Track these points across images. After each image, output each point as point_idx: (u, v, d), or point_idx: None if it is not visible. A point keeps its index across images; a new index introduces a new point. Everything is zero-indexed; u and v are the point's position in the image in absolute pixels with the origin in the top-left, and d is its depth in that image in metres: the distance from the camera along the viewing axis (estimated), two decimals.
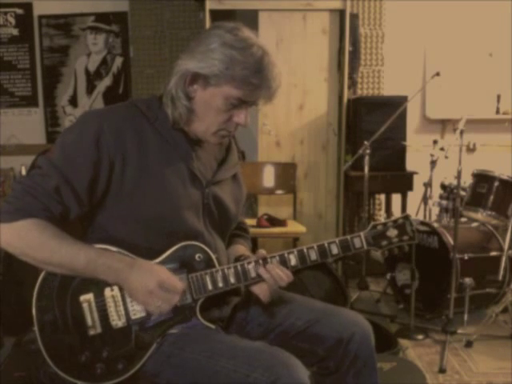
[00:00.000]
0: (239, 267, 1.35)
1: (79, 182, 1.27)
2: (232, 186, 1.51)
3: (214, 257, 1.36)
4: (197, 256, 1.34)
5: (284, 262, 1.36)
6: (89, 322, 1.30)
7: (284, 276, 1.34)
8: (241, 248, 1.54)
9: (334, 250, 1.38)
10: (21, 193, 1.25)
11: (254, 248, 1.62)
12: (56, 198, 1.26)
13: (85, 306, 1.30)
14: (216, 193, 1.43)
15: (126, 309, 1.31)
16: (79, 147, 1.28)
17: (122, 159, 1.29)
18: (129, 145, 1.30)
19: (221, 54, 1.26)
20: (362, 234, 1.39)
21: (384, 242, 1.40)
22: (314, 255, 1.37)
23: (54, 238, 1.25)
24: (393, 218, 1.42)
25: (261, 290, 1.39)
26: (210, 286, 1.33)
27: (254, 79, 1.27)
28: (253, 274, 1.35)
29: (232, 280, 1.34)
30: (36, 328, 1.30)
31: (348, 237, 1.38)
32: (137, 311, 1.31)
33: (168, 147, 1.35)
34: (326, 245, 1.37)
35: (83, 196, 1.29)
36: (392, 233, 1.40)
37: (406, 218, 1.42)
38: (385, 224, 1.40)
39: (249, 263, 1.35)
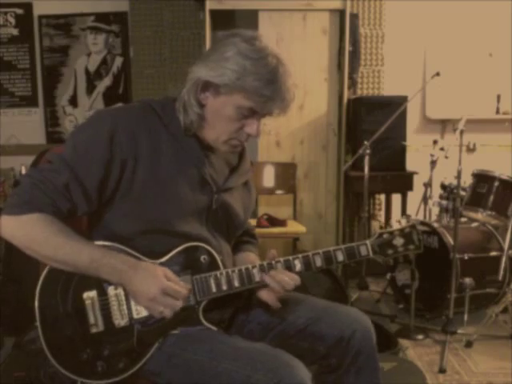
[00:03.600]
0: (244, 270, 1.34)
1: (89, 180, 1.27)
2: (242, 192, 1.50)
3: (218, 259, 1.35)
4: (202, 258, 1.34)
5: (289, 268, 1.35)
6: (91, 319, 1.29)
7: (290, 280, 1.33)
8: (251, 256, 1.53)
9: (340, 257, 1.37)
10: (29, 186, 1.25)
11: (258, 250, 1.62)
12: (65, 195, 1.25)
13: (88, 303, 1.29)
14: (225, 199, 1.42)
15: (129, 308, 1.30)
16: (92, 146, 1.27)
17: (133, 160, 1.29)
18: (142, 145, 1.29)
19: (234, 63, 1.25)
20: (368, 242, 1.38)
21: (390, 251, 1.39)
22: (319, 261, 1.36)
23: (58, 235, 1.24)
24: (400, 227, 1.41)
25: (269, 297, 1.38)
26: (213, 289, 1.32)
27: (265, 91, 1.25)
28: (257, 278, 1.34)
29: (236, 283, 1.33)
30: (38, 323, 1.29)
31: (354, 244, 1.38)
32: (140, 310, 1.30)
33: (181, 151, 1.34)
34: (332, 251, 1.37)
35: (92, 194, 1.28)
36: (398, 241, 1.39)
37: (413, 227, 1.41)
38: (391, 233, 1.40)
39: (253, 267, 1.35)
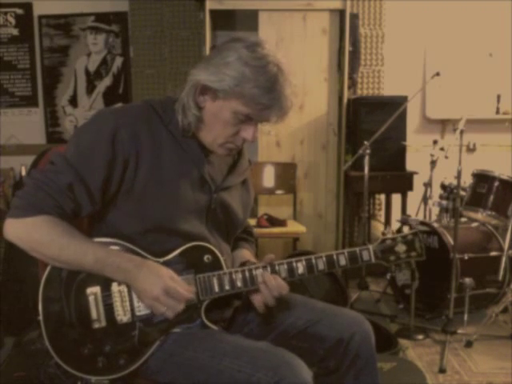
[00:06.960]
0: (247, 272, 1.34)
1: (93, 180, 1.27)
2: (241, 191, 1.51)
3: (222, 259, 1.35)
4: (205, 257, 1.35)
5: (292, 271, 1.36)
6: (94, 315, 1.30)
7: (278, 288, 1.33)
8: (246, 253, 1.53)
9: (342, 261, 1.37)
10: (33, 188, 1.25)
11: (256, 248, 1.61)
12: (69, 196, 1.26)
13: (91, 298, 1.30)
14: (224, 198, 1.42)
15: (131, 305, 1.31)
16: (95, 146, 1.27)
17: (135, 158, 1.29)
18: (143, 144, 1.30)
19: (233, 70, 1.24)
20: (370, 247, 1.39)
21: (392, 257, 1.40)
22: (321, 265, 1.37)
23: (63, 236, 1.25)
24: (402, 234, 1.42)
25: (257, 301, 1.38)
26: (216, 288, 1.33)
27: (263, 99, 1.26)
28: (260, 280, 1.35)
29: (239, 284, 1.33)
30: (41, 317, 1.30)
31: (357, 249, 1.38)
32: (142, 308, 1.31)
33: (181, 150, 1.35)
34: (335, 256, 1.37)
35: (96, 194, 1.29)
36: (401, 248, 1.40)
37: (416, 234, 1.41)
38: (394, 239, 1.40)
39: (256, 268, 1.35)
